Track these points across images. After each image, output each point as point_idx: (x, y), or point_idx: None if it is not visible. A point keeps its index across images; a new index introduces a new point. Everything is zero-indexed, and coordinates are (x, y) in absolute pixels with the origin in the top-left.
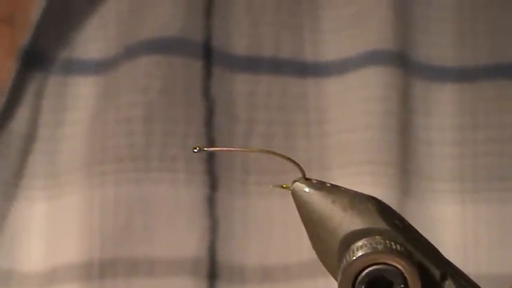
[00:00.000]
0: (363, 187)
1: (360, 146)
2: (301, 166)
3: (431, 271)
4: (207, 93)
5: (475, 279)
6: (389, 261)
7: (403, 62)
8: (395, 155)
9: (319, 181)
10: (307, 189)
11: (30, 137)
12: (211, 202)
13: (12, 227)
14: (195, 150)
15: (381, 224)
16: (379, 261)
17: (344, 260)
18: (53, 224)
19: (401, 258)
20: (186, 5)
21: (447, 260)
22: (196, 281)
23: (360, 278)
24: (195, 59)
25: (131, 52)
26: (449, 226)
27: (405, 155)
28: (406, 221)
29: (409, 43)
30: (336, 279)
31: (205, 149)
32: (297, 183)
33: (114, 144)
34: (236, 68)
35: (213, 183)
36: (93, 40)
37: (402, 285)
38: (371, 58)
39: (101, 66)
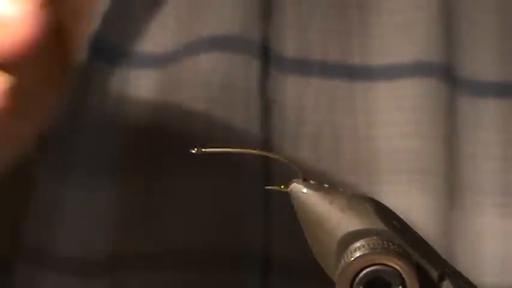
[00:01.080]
0: (410, 195)
1: (408, 154)
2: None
3: (429, 272)
4: (263, 93)
5: None
6: (387, 262)
7: (449, 75)
8: (441, 166)
9: (318, 182)
10: (305, 190)
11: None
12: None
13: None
14: (193, 151)
15: (379, 225)
16: (377, 262)
17: (342, 261)
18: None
19: (399, 259)
20: (246, 6)
21: (445, 260)
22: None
23: (357, 279)
24: (254, 59)
25: (192, 48)
26: (490, 239)
27: (450, 166)
28: (404, 222)
29: (455, 58)
30: (334, 280)
31: (203, 149)
32: (294, 184)
33: (176, 139)
34: (287, 70)
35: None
36: (151, 34)
37: (400, 286)
38: (418, 68)
39: (160, 61)
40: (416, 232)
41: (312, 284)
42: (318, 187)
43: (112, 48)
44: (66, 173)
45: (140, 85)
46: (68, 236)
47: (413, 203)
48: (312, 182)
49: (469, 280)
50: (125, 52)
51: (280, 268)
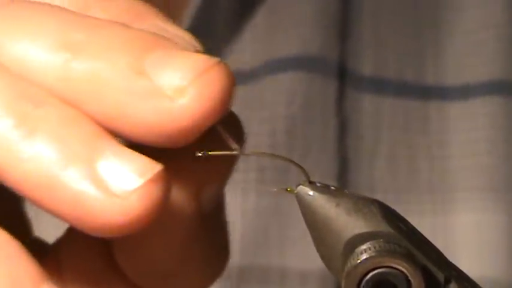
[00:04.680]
0: (484, 213)
1: (482, 172)
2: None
3: (435, 274)
4: (339, 112)
5: None
6: (393, 265)
7: None
8: None
9: (324, 184)
10: (311, 193)
11: None
12: None
13: None
14: (200, 154)
15: (385, 227)
16: (383, 264)
17: (348, 263)
18: None
19: (405, 262)
20: (325, 26)
21: (451, 263)
22: None
23: (364, 281)
24: (332, 79)
25: (273, 67)
26: None
27: None
28: (410, 224)
29: None
30: (341, 283)
31: (210, 152)
32: (301, 186)
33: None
34: (364, 89)
35: None
36: (228, 52)
37: None
38: (492, 87)
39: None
40: (422, 235)
41: None
42: (324, 189)
43: None
44: None
45: None
46: None
47: (487, 220)
48: (318, 184)
49: (475, 282)
50: None
51: None
